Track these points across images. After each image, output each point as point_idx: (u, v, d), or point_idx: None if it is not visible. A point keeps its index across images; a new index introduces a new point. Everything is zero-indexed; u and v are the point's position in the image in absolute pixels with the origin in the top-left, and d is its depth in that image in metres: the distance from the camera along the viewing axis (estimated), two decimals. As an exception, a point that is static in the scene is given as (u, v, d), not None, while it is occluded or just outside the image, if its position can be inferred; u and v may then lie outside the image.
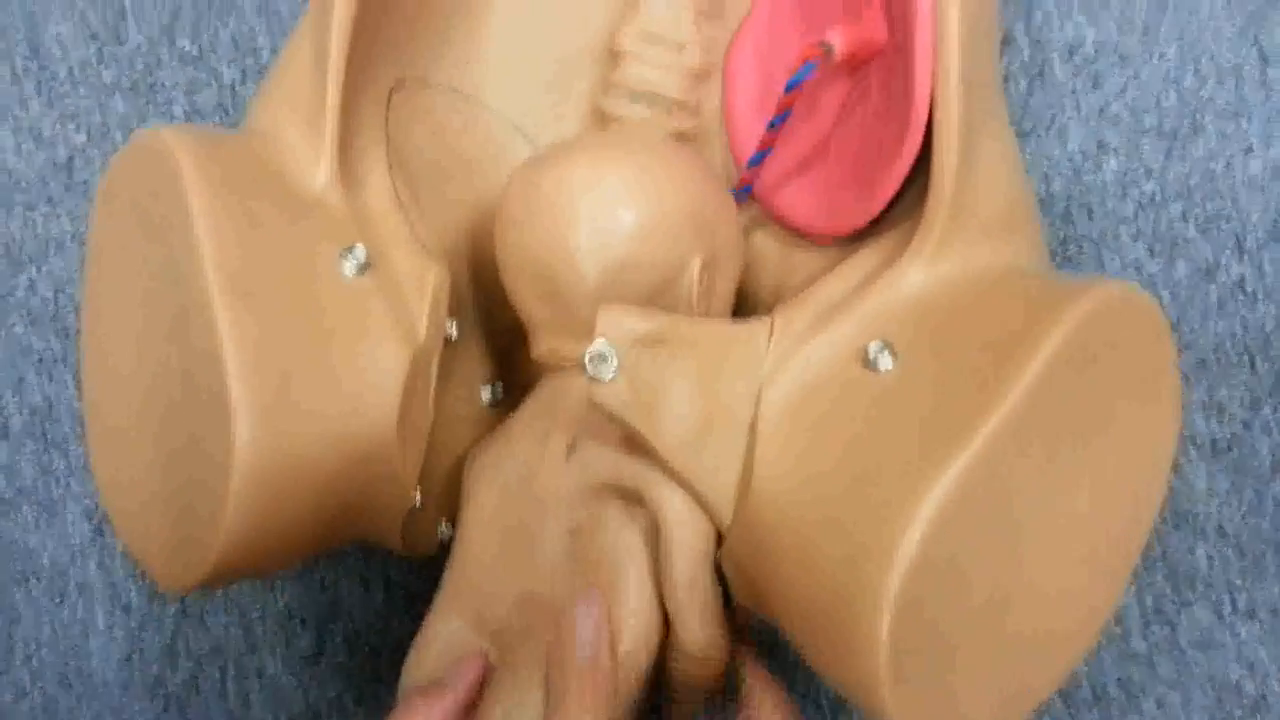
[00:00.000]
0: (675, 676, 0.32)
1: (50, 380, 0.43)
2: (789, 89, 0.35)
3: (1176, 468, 0.42)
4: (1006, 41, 0.44)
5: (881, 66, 0.35)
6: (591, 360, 0.29)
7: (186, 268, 0.29)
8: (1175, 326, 0.42)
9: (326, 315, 0.30)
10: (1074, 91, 0.43)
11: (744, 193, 0.38)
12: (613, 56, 0.39)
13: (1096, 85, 0.43)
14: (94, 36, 0.44)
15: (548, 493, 0.33)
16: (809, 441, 0.29)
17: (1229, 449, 0.42)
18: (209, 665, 0.42)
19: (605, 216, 0.32)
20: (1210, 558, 0.42)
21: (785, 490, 0.29)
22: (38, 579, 0.42)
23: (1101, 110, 0.43)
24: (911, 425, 0.28)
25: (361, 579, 0.42)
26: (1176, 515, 0.42)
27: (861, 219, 0.35)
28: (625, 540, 0.32)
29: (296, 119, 0.33)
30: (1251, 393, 0.42)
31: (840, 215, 0.35)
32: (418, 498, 0.33)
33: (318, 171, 0.33)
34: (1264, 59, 0.43)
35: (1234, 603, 0.42)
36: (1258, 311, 0.42)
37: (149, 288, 0.31)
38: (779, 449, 0.30)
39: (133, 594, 0.42)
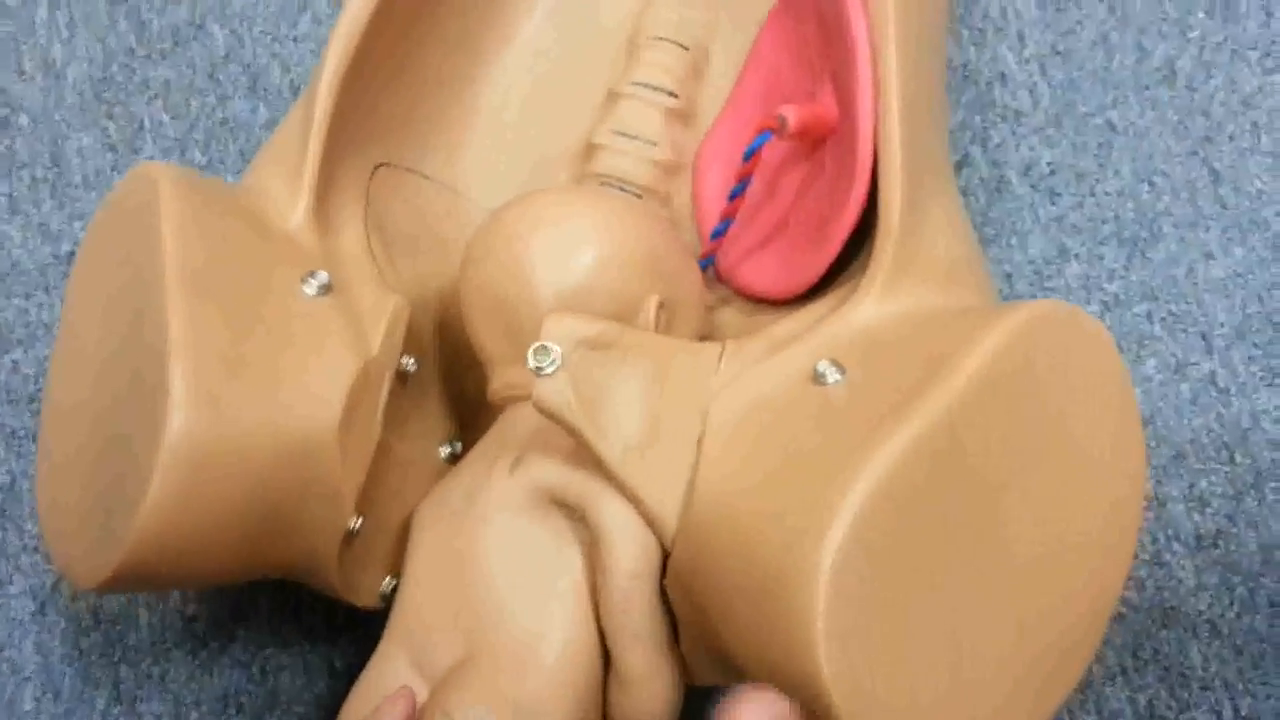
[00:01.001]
0: (614, 709, 0.30)
1: (18, 457, 0.43)
2: (747, 156, 0.37)
3: (1162, 561, 0.40)
4: (965, 161, 0.46)
5: (834, 145, 0.37)
6: (535, 353, 0.29)
7: (149, 271, 0.30)
8: (1149, 421, 0.42)
9: (280, 321, 0.31)
10: (1032, 205, 0.45)
11: (707, 263, 0.39)
12: (589, 150, 0.42)
13: (1054, 199, 0.45)
14: (112, 148, 0.47)
15: (491, 507, 0.32)
16: (753, 446, 0.29)
17: (1215, 544, 0.40)
18: (142, 764, 0.40)
19: (562, 246, 0.33)
20: (1205, 657, 0.39)
21: (728, 490, 0.28)
22: (-30, 653, 0.40)
23: (1060, 220, 0.45)
24: (852, 426, 0.28)
25: (304, 667, 0.40)
26: (1165, 612, 0.40)
27: (816, 271, 0.36)
28: (564, 555, 0.31)
29: (280, 172, 0.36)
30: (1233, 485, 0.41)
31: (798, 273, 0.36)
32: (357, 522, 0.32)
33: (294, 213, 0.34)
34: (1215, 177, 0.45)
35: (1235, 707, 0.39)
36: (1232, 407, 0.42)
37: (113, 304, 0.32)
38: (723, 454, 0.29)
39: (66, 679, 0.40)
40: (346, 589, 0.33)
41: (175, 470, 0.27)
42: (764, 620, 0.26)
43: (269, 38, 0.49)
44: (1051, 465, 0.30)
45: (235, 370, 0.29)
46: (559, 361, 0.29)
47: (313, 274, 0.32)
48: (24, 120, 0.48)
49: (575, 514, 0.31)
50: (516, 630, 0.30)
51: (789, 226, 0.38)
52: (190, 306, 0.29)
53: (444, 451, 0.37)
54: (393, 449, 0.35)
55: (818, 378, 0.30)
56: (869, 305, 0.32)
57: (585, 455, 0.30)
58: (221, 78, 0.48)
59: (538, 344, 0.30)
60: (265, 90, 0.48)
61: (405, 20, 0.39)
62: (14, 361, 0.44)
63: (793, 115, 0.36)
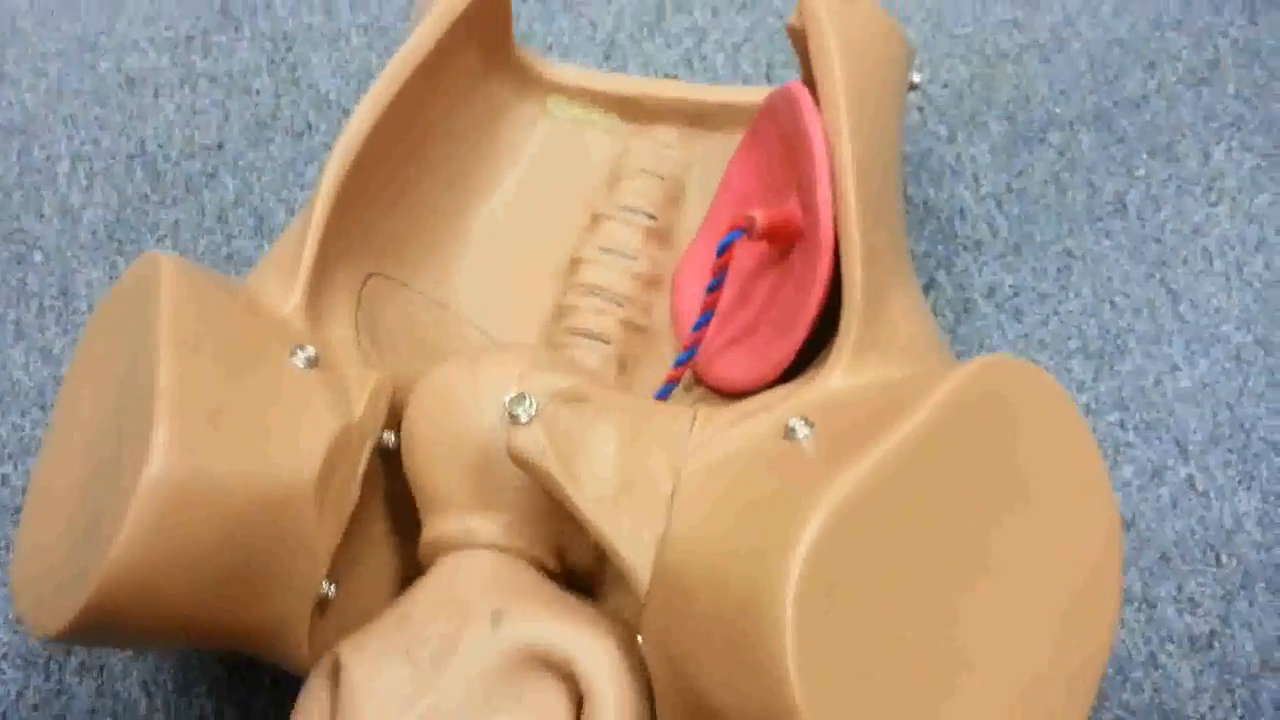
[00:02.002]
0: None
1: (-1, 568, 0.43)
2: (720, 252, 0.39)
3: (1158, 663, 0.39)
4: (932, 285, 0.48)
5: (800, 250, 0.39)
6: (512, 402, 0.30)
7: (144, 335, 0.31)
8: (1131, 523, 0.42)
9: (266, 383, 0.32)
10: (999, 324, 0.47)
11: (687, 356, 0.40)
12: (573, 264, 0.44)
13: (1019, 318, 0.47)
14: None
15: (470, 668, 0.30)
16: (724, 493, 0.29)
17: (1210, 645, 0.39)
18: None
19: (504, 369, 0.34)
20: (1214, 762, 0.37)
21: (698, 532, 0.28)
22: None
23: (1026, 336, 0.47)
24: (817, 467, 0.28)
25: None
26: (1166, 715, 0.38)
27: (785, 357, 0.37)
28: (550, 712, 0.30)
29: (277, 272, 0.37)
30: (1223, 587, 0.41)
31: (768, 359, 0.38)
32: (331, 589, 0.32)
33: (287, 304, 0.36)
34: (1173, 296, 0.47)
35: (1250, 811, 0.36)
36: (1213, 510, 0.42)
37: (108, 369, 0.33)
38: (695, 503, 0.29)
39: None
40: (315, 663, 0.32)
41: (151, 508, 0.28)
42: (735, 646, 0.25)
43: (277, 184, 0.52)
44: (1018, 510, 0.30)
45: (218, 420, 0.30)
46: (534, 411, 0.30)
47: (301, 348, 0.34)
48: (38, 256, 0.50)
49: (563, 669, 0.30)
50: None
51: (760, 327, 0.40)
52: (180, 361, 0.30)
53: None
54: (371, 528, 0.35)
55: (788, 433, 0.30)
56: (837, 377, 0.33)
57: (570, 609, 0.30)
58: (230, 220, 0.51)
59: (515, 393, 0.30)
60: (270, 230, 0.51)
61: (401, 155, 0.42)
62: (3, 475, 0.45)
63: (761, 216, 0.38)
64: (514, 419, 0.30)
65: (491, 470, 0.32)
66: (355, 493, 0.32)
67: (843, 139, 0.36)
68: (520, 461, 0.30)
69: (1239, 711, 0.38)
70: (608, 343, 0.42)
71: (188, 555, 0.28)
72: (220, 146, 0.53)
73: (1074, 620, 0.30)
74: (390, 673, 0.31)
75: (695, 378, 0.42)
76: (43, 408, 0.46)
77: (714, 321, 0.41)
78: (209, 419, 0.29)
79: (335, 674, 0.31)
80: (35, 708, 0.40)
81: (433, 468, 0.33)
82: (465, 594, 0.32)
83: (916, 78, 0.44)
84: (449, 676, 0.30)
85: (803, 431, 0.30)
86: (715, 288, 0.39)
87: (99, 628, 0.29)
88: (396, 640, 0.31)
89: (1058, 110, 0.52)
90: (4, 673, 0.41)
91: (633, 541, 0.30)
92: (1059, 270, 0.48)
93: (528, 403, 0.30)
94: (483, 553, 0.32)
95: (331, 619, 0.33)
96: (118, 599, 0.28)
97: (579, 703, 0.29)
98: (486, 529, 0.32)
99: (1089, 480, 0.31)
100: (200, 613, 0.30)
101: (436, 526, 0.33)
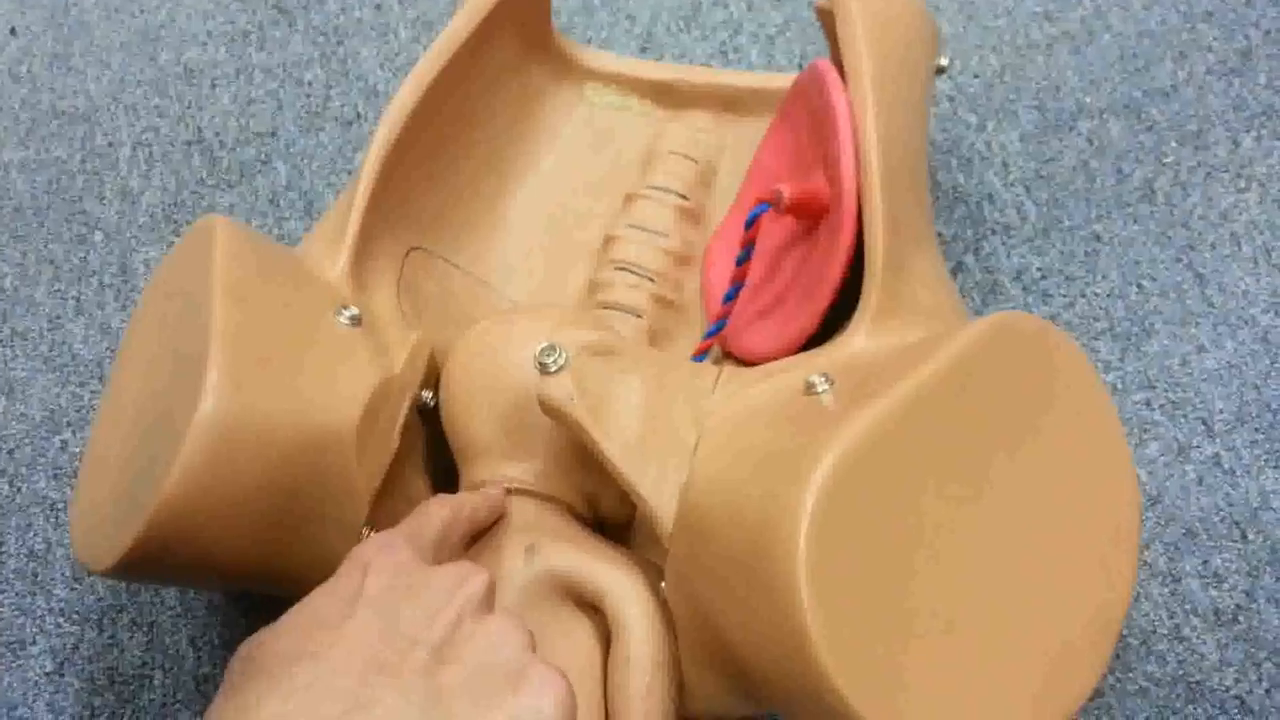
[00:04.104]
0: None
1: (54, 527, 0.45)
2: (748, 225, 0.40)
3: (1181, 636, 0.40)
4: (960, 269, 0.49)
5: (826, 225, 0.40)
6: (543, 352, 0.31)
7: (200, 286, 0.33)
8: (1157, 500, 0.42)
9: (312, 337, 0.33)
10: (1026, 305, 0.48)
11: (717, 328, 0.42)
12: (606, 242, 0.45)
13: (1046, 300, 0.48)
14: (175, 261, 0.52)
15: (508, 599, 0.32)
16: (746, 441, 0.30)
17: (1235, 619, 0.40)
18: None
19: (538, 324, 0.35)
20: (1236, 731, 0.38)
21: (719, 473, 0.29)
22: (-16, 706, 0.40)
23: (1054, 318, 0.47)
24: (835, 415, 0.29)
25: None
26: (1190, 687, 0.39)
27: (809, 323, 0.38)
28: (579, 644, 0.31)
29: (325, 238, 0.39)
30: (1248, 562, 0.41)
31: (793, 326, 0.39)
32: (369, 534, 0.33)
33: (333, 268, 0.38)
34: (1200, 280, 0.48)
35: (1272, 778, 0.37)
36: (1240, 487, 0.42)
37: (166, 319, 0.35)
38: (717, 449, 0.30)
39: (75, 735, 0.40)
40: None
41: (203, 444, 0.29)
42: (751, 577, 0.26)
43: (326, 170, 0.54)
44: (1030, 457, 0.30)
45: (267, 366, 0.31)
46: (564, 362, 0.31)
47: (345, 307, 0.35)
48: (99, 237, 0.53)
49: (590, 606, 0.31)
50: None
51: (786, 299, 0.41)
52: (233, 310, 0.32)
53: None
54: (410, 484, 0.36)
55: (809, 388, 0.31)
56: (858, 340, 0.34)
57: (600, 548, 0.31)
58: (281, 203, 0.53)
59: (546, 344, 0.32)
60: (319, 213, 0.53)
61: (442, 133, 0.44)
62: (63, 441, 0.47)
63: (788, 189, 0.39)
64: (543, 368, 0.31)
65: (525, 420, 0.34)
66: (395, 442, 0.34)
67: (867, 113, 0.38)
68: (549, 409, 0.32)
69: (1264, 684, 0.39)
70: (639, 316, 0.43)
71: (236, 491, 0.30)
72: (273, 134, 0.55)
73: (1090, 571, 0.31)
74: None
75: (723, 351, 0.43)
76: (100, 379, 0.48)
77: (743, 295, 0.42)
78: (259, 365, 0.31)
79: None
80: (90, 659, 0.42)
81: (469, 417, 0.35)
82: (500, 533, 0.33)
83: (944, 61, 0.45)
84: None
85: (822, 386, 0.31)
86: (744, 260, 0.40)
87: (150, 561, 0.30)
88: None
89: (1087, 99, 0.53)
90: (61, 627, 0.43)
91: (657, 488, 0.31)
92: (1087, 254, 0.49)
93: (557, 353, 0.32)
94: (517, 497, 0.34)
95: None
96: (169, 531, 0.30)
97: (607, 640, 0.31)
98: (520, 475, 0.34)
99: (1104, 431, 0.32)
100: (246, 549, 0.31)
101: (473, 475, 0.35)
